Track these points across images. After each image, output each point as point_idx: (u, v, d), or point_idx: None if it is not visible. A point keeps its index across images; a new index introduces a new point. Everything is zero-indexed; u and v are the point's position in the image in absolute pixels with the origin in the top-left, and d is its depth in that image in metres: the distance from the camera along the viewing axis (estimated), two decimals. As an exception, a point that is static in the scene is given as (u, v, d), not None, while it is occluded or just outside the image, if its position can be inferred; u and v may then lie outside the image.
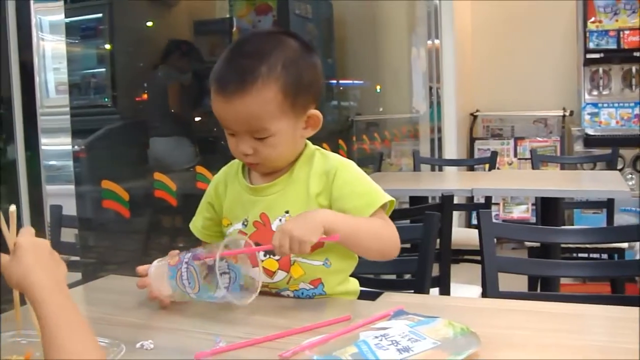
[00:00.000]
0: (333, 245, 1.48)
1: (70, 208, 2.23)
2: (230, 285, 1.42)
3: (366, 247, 1.48)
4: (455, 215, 5.53)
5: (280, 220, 1.49)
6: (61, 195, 2.20)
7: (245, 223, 1.53)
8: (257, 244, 1.46)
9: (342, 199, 1.48)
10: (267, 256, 1.50)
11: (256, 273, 1.42)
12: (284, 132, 1.45)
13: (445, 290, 2.45)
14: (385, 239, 1.48)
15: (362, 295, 1.63)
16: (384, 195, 1.51)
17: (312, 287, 1.51)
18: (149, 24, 4.13)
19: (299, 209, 1.48)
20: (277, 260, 1.49)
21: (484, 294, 1.92)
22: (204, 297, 1.40)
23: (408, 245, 3.17)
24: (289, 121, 1.45)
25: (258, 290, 1.39)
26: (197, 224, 1.66)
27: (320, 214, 1.42)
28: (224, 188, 1.60)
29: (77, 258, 2.27)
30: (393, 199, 1.51)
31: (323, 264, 1.51)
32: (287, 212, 1.50)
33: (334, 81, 5.34)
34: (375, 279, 2.22)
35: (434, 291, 2.42)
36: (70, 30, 3.14)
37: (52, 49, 2.18)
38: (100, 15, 3.65)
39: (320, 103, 1.43)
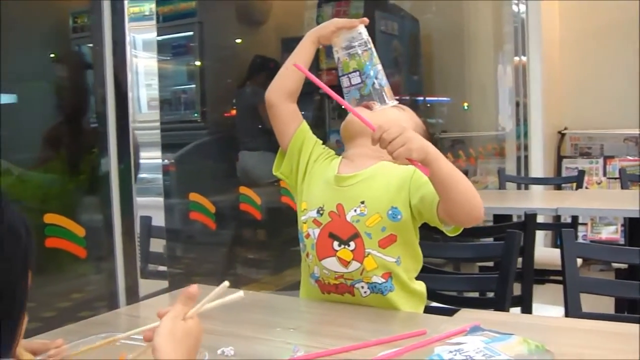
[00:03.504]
0: (406, 242, 1.56)
1: (159, 219, 2.31)
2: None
3: (461, 193, 1.43)
4: (542, 235, 5.43)
5: (355, 210, 1.56)
6: (151, 207, 2.29)
7: (321, 212, 1.60)
8: (331, 235, 1.56)
9: (421, 186, 1.52)
10: (342, 246, 1.56)
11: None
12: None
13: (527, 310, 2.42)
14: (475, 194, 1.46)
15: (442, 312, 1.64)
16: None
17: (383, 280, 1.56)
18: (238, 41, 4.23)
19: (376, 199, 1.55)
20: (351, 251, 1.55)
21: (566, 315, 1.89)
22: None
23: (490, 264, 3.17)
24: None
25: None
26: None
27: (432, 145, 1.42)
28: (316, 156, 1.69)
29: (165, 268, 2.35)
30: None
31: (395, 261, 1.56)
32: (362, 202, 1.56)
33: (420, 98, 5.33)
34: (456, 296, 2.22)
35: (516, 310, 2.40)
36: (163, 48, 3.26)
37: (144, 66, 2.27)
38: (191, 33, 3.77)
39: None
